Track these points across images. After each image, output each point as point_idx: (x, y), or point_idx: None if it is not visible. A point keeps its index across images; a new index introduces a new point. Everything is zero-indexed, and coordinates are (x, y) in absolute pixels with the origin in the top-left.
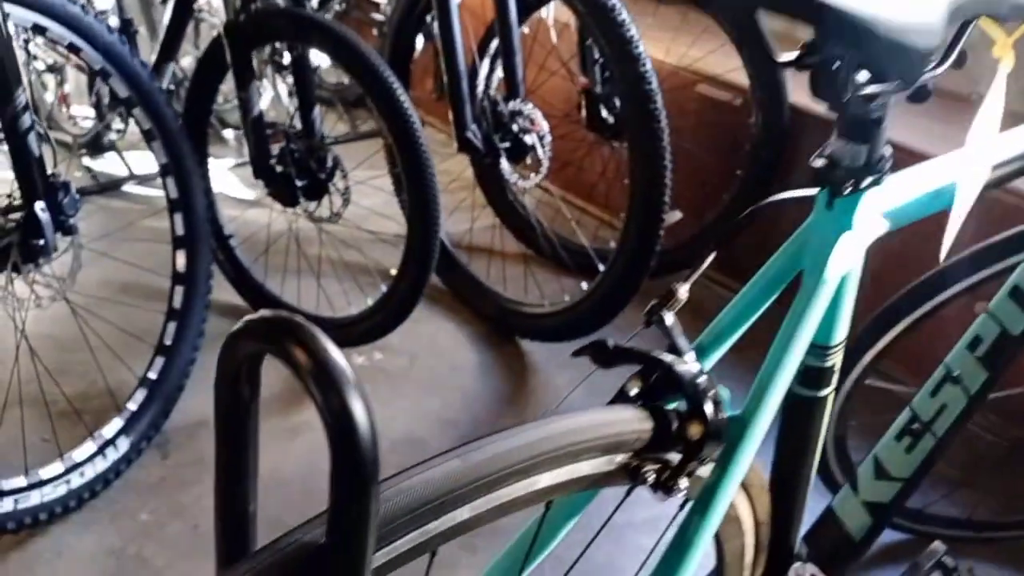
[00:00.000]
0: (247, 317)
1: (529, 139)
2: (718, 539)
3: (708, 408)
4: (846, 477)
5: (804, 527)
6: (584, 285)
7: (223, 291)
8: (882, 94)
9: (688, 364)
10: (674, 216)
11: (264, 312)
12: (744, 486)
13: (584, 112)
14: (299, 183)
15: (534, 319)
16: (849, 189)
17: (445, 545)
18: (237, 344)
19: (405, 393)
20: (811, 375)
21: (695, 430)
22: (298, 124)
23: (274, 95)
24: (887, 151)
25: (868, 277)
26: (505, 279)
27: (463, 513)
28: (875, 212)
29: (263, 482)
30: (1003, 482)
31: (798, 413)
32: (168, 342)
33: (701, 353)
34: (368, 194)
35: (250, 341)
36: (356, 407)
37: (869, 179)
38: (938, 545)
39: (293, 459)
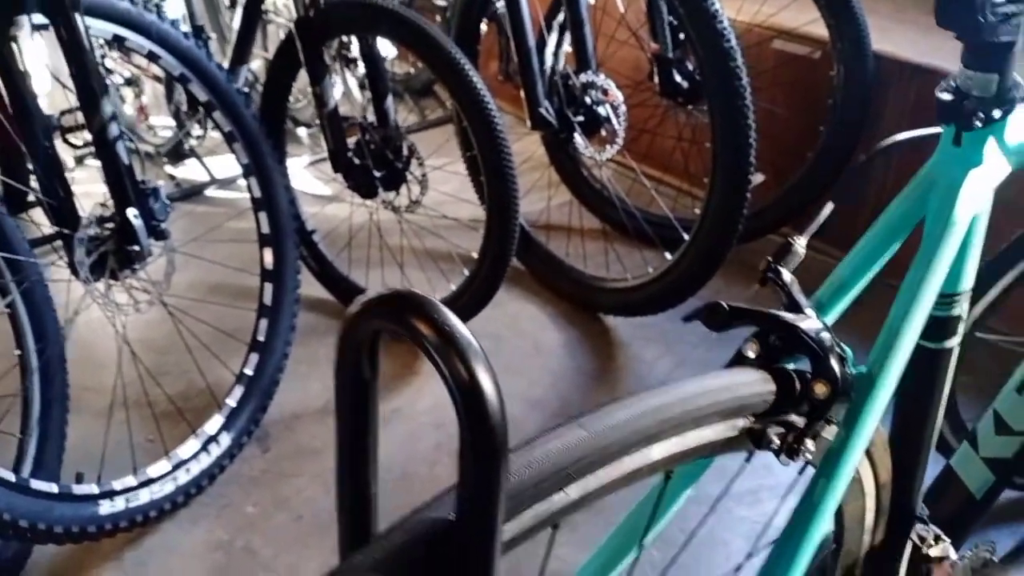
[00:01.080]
0: (363, 297)
1: (603, 111)
2: (840, 505)
3: (834, 366)
4: (956, 436)
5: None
6: (668, 255)
7: (309, 286)
8: (1018, 15)
9: (809, 320)
10: (757, 179)
11: (383, 290)
12: (873, 463)
13: (657, 79)
14: (377, 174)
15: (617, 294)
16: (979, 123)
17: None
18: (358, 324)
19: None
20: (936, 325)
21: (821, 389)
22: (372, 116)
23: (344, 89)
24: (1019, 80)
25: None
26: (585, 256)
27: (589, 484)
28: (1006, 148)
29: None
30: None
31: (922, 366)
32: (261, 338)
33: (820, 309)
34: (444, 181)
35: (372, 320)
36: (484, 378)
37: (1000, 111)
38: None
39: (389, 446)
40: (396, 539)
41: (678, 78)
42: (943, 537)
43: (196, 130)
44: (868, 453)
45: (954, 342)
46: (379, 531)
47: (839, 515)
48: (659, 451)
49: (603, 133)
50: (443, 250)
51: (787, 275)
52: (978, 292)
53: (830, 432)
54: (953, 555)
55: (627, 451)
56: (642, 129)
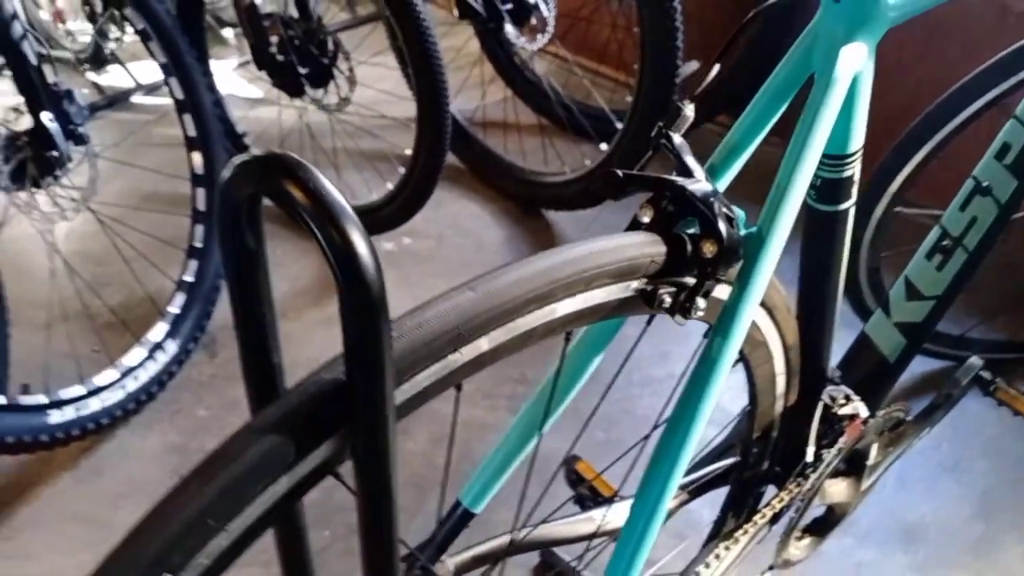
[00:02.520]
0: (235, 159)
1: None
2: (748, 367)
3: (721, 226)
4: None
5: (839, 355)
6: (604, 147)
7: None
8: None
9: (699, 183)
10: (690, 67)
11: (255, 151)
12: (768, 309)
13: None
14: (302, 70)
15: (556, 188)
16: None
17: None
18: (231, 190)
19: (435, 273)
20: (829, 188)
21: (709, 248)
22: (294, 10)
23: None
24: None
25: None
26: (524, 151)
27: (482, 344)
28: (884, 3)
29: (310, 367)
30: None
31: (819, 229)
32: (198, 244)
33: (713, 173)
34: (379, 78)
35: (244, 184)
36: (357, 240)
37: None
38: (975, 360)
39: (334, 345)
40: (293, 400)
41: None
42: (853, 397)
43: (114, 33)
44: (772, 316)
45: (848, 204)
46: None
47: (751, 379)
48: (551, 312)
49: (534, 22)
50: (379, 149)
51: (678, 139)
52: (895, 166)
53: (724, 292)
54: (864, 413)
55: (519, 312)
56: (575, 19)
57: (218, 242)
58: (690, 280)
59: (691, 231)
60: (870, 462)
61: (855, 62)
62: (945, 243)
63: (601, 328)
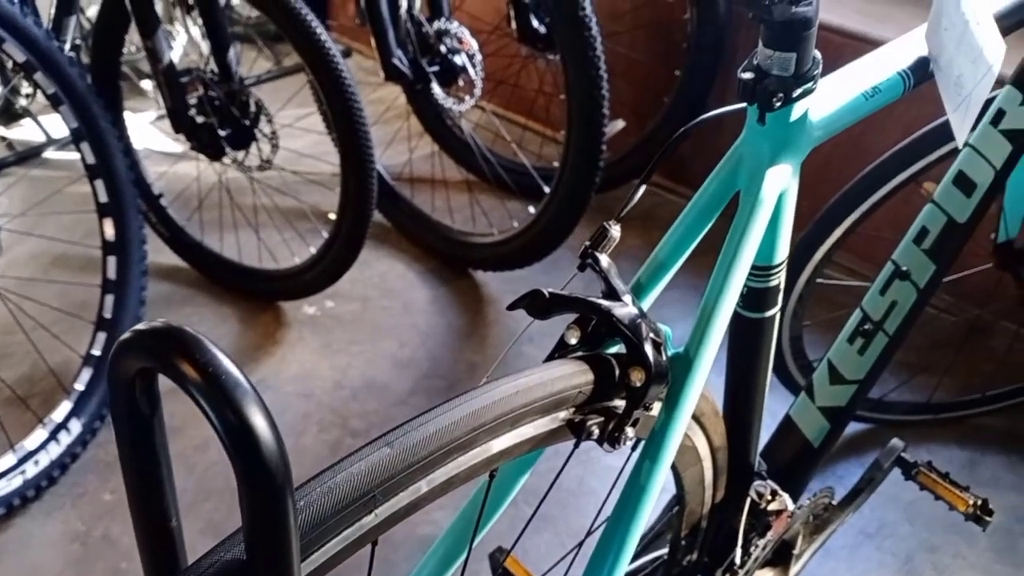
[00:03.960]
0: (130, 330)
1: (459, 60)
2: (676, 469)
3: (648, 351)
4: (805, 378)
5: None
6: (531, 208)
7: (160, 254)
8: None
9: (625, 307)
10: (616, 126)
11: (145, 324)
12: (696, 416)
13: (514, 24)
14: (222, 132)
15: (484, 249)
16: (779, 103)
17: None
18: (120, 364)
19: (360, 338)
20: (755, 297)
21: (637, 376)
22: (214, 68)
23: (188, 39)
24: (816, 56)
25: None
26: (451, 210)
27: (401, 500)
28: (809, 124)
29: (221, 488)
30: (963, 361)
31: (745, 335)
32: (108, 315)
33: (640, 291)
34: (299, 136)
35: (134, 359)
36: (255, 417)
37: (800, 89)
38: (896, 442)
39: None
40: None
41: (535, 23)
42: (780, 492)
43: (26, 89)
44: (699, 422)
45: (773, 311)
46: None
47: (679, 480)
48: (473, 457)
49: (461, 83)
50: (301, 210)
51: (604, 260)
52: (817, 239)
53: (654, 410)
54: (791, 506)
55: (439, 462)
56: (503, 78)
57: (109, 405)
58: (619, 405)
59: (617, 350)
60: (796, 551)
61: (781, 181)
62: (866, 327)
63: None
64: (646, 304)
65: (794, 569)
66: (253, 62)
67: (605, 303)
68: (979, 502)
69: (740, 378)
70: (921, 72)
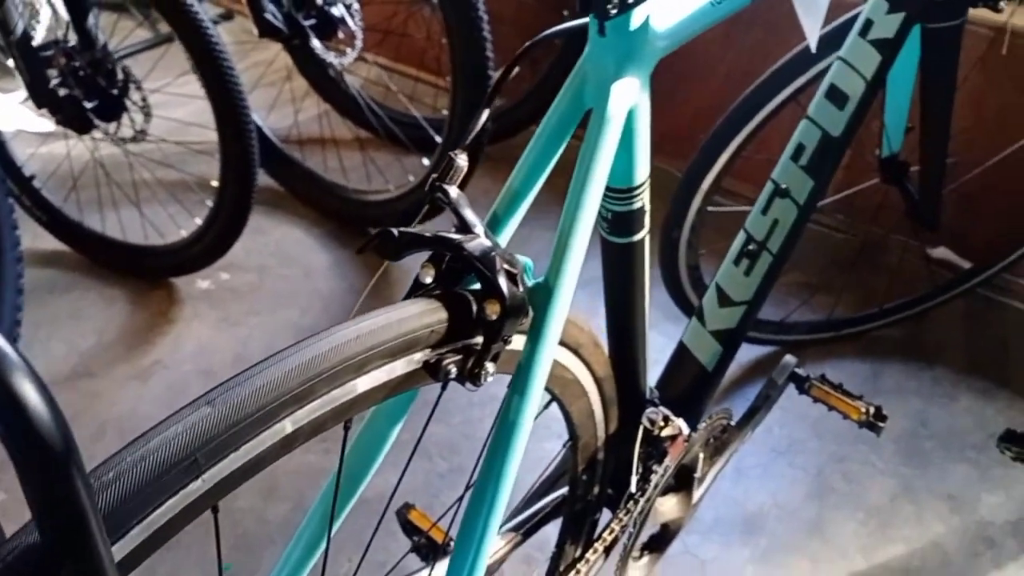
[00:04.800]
0: None
1: (336, 11)
2: (562, 405)
3: (502, 283)
4: None
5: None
6: (425, 161)
7: (41, 239)
8: None
9: (476, 239)
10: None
11: None
12: (573, 348)
13: None
14: (88, 104)
15: (382, 206)
16: (615, 10)
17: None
18: None
19: (259, 309)
20: (620, 221)
21: (492, 309)
22: (74, 37)
23: (52, 12)
24: None
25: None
26: (345, 169)
27: (233, 462)
28: (653, 31)
29: (121, 427)
30: (859, 277)
31: (617, 261)
32: None
33: (496, 223)
34: (183, 103)
35: None
36: (27, 391)
37: None
38: (789, 358)
39: (149, 401)
40: None
41: None
42: (672, 417)
43: None
44: (579, 354)
45: (642, 233)
46: None
47: (567, 417)
48: (315, 410)
49: (341, 35)
50: (183, 182)
51: (454, 192)
52: (704, 166)
53: (519, 342)
54: (686, 430)
55: (273, 418)
56: (387, 30)
57: None
58: (478, 341)
59: (476, 287)
60: (698, 474)
61: (629, 96)
62: (751, 247)
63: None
64: (505, 235)
65: (698, 492)
66: (130, 32)
67: (456, 237)
68: (871, 409)
69: (618, 306)
70: None
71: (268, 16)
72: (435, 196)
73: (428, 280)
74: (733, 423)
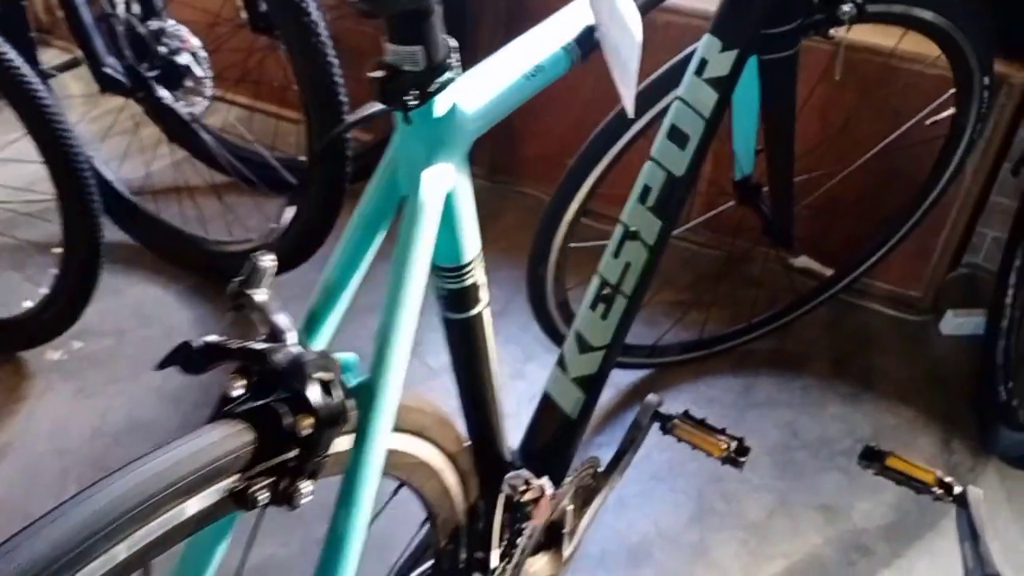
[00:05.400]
0: None
1: (182, 59)
2: (413, 488)
3: (313, 394)
4: None
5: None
6: (289, 210)
7: None
8: None
9: (283, 347)
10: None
11: None
12: (414, 432)
13: (244, 13)
14: None
15: (244, 256)
16: (415, 101)
17: None
18: None
19: (119, 376)
20: (455, 298)
21: (304, 423)
22: None
23: None
24: (452, 43)
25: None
26: (204, 219)
27: None
28: (462, 114)
29: None
30: (725, 293)
31: (458, 337)
32: None
33: (315, 322)
34: (17, 167)
35: None
36: None
37: (436, 83)
38: (652, 398)
39: (6, 487)
40: None
41: (264, 7)
42: (533, 479)
43: None
44: (424, 436)
45: (480, 306)
46: None
47: (423, 499)
48: (112, 559)
49: (190, 84)
50: (25, 249)
51: (261, 296)
52: (561, 206)
53: (346, 443)
54: (550, 489)
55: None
56: (245, 68)
57: None
58: (293, 457)
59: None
60: (567, 529)
61: (443, 181)
62: (605, 292)
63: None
64: (326, 333)
65: (569, 547)
66: None
67: (261, 347)
68: (733, 444)
69: (466, 379)
70: (589, 42)
71: (108, 71)
72: (238, 303)
73: (237, 393)
74: (601, 470)
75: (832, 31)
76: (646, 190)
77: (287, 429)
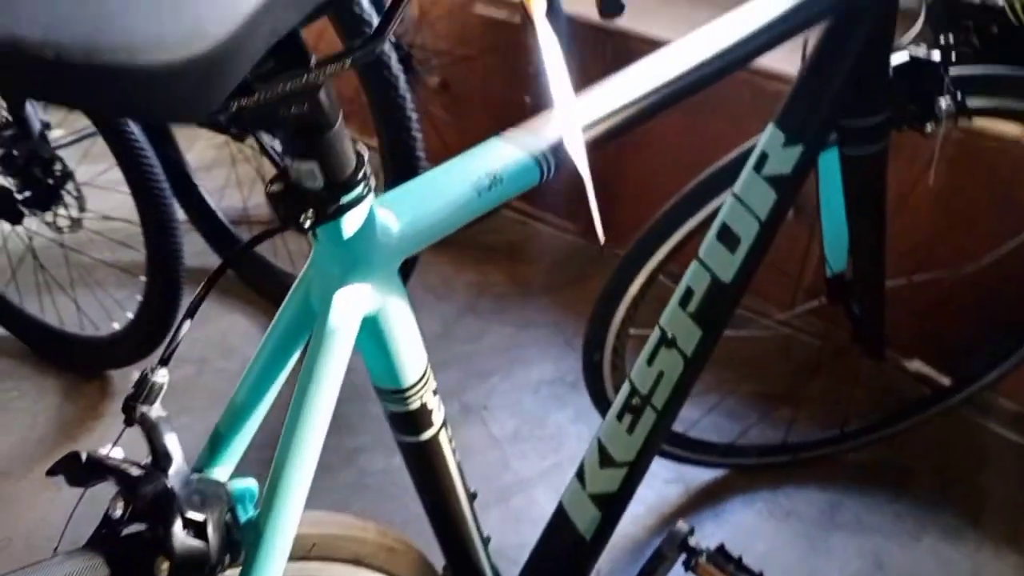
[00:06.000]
0: None
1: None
2: None
3: (176, 534)
4: None
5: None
6: None
7: None
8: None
9: (157, 479)
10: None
11: None
12: (351, 561)
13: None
14: (20, 196)
15: None
16: (309, 221)
17: None
18: None
19: (192, 407)
20: (401, 421)
21: (161, 567)
22: (11, 123)
23: None
24: (362, 156)
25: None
26: (293, 256)
27: None
28: (387, 233)
29: (29, 538)
30: (821, 387)
31: (415, 462)
32: None
33: (219, 443)
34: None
35: None
36: None
37: (341, 202)
38: (681, 526)
39: (62, 509)
40: None
41: None
42: None
43: None
44: (364, 563)
45: (431, 431)
46: None
47: None
48: None
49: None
50: (116, 273)
51: (156, 413)
52: (619, 289)
53: None
54: None
55: None
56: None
57: None
58: None
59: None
60: None
61: (360, 303)
62: (634, 401)
63: None
64: (231, 457)
65: None
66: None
67: (135, 473)
68: None
69: (432, 503)
70: (563, 153)
71: None
72: (133, 418)
73: (117, 515)
74: None
75: (929, 127)
76: (688, 293)
77: (142, 571)
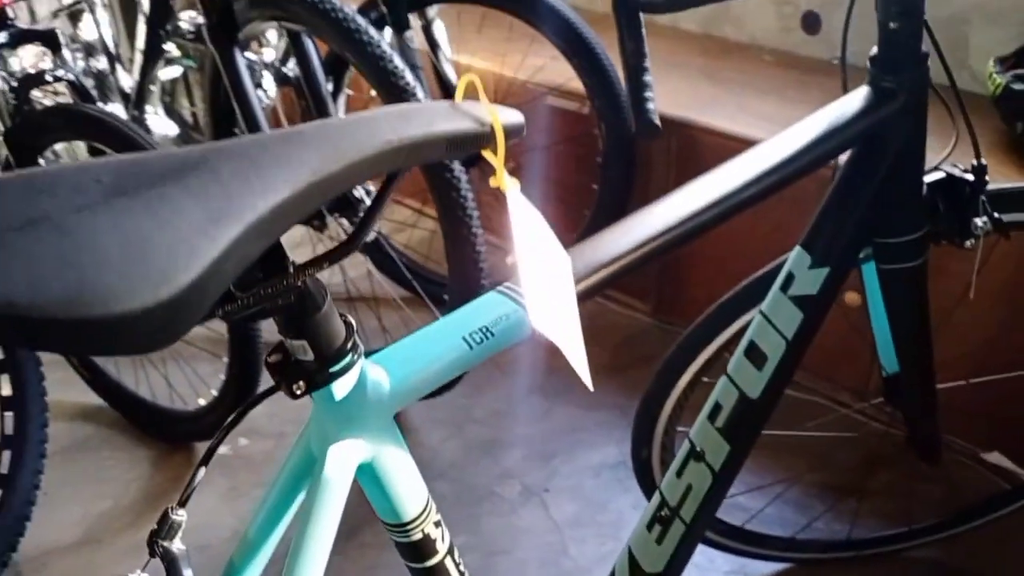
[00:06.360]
0: None
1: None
2: None
3: None
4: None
5: None
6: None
7: (87, 394)
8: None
9: None
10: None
11: None
12: None
13: None
14: None
15: None
16: (300, 390)
17: None
18: None
19: (266, 480)
20: (407, 550)
21: None
22: None
23: None
24: (351, 323)
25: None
26: (387, 330)
27: None
28: (379, 390)
29: None
30: (891, 481)
31: None
32: (3, 471)
33: (233, 573)
34: None
35: None
36: None
37: (329, 372)
38: None
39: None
40: None
41: None
42: None
43: None
44: None
45: (436, 559)
46: None
47: None
48: None
49: None
50: (199, 350)
51: (176, 548)
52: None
53: None
54: None
55: None
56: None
57: None
58: None
59: None
60: None
61: (353, 456)
62: (663, 513)
63: None
64: None
65: None
66: None
67: None
68: None
69: None
70: None
71: None
72: (157, 552)
73: None
74: None
75: (968, 243)
76: (717, 408)
77: None
